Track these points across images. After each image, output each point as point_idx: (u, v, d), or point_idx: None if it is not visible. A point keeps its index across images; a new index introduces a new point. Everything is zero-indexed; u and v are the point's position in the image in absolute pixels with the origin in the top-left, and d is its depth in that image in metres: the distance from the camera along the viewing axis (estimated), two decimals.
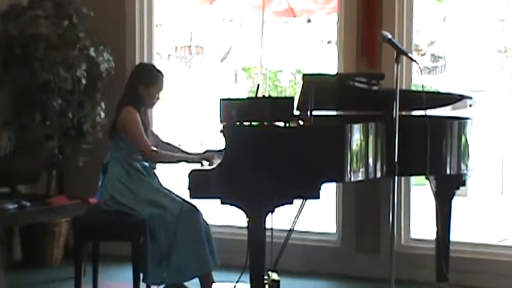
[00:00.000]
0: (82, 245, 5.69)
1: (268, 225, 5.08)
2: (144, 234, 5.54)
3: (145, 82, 5.82)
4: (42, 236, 6.88)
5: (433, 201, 5.99)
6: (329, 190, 5.84)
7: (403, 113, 5.25)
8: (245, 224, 5.11)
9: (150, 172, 5.85)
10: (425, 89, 5.56)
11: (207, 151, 5.94)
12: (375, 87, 5.59)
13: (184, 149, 6.02)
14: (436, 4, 13.29)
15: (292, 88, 14.90)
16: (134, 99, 5.80)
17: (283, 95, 14.17)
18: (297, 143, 5.05)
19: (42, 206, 6.25)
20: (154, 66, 6.01)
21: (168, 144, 6.05)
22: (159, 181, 5.90)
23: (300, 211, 6.06)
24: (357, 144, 5.04)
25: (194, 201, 5.51)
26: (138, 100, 5.81)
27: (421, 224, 6.86)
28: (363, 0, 6.54)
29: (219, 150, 5.54)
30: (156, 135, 6.06)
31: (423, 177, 5.87)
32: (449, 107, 5.95)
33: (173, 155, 5.84)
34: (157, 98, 5.93)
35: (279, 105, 5.33)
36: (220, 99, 5.34)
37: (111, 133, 5.83)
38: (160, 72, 5.91)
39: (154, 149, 5.76)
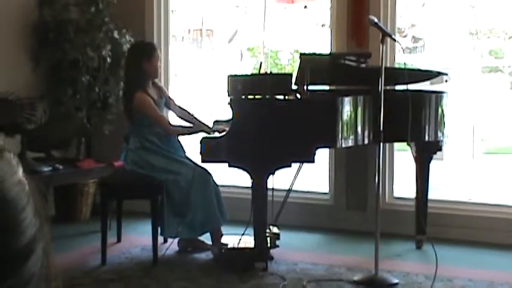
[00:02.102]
0: (108, 203, 5.70)
1: (269, 185, 5.08)
2: (162, 194, 5.53)
3: (146, 56, 5.65)
4: (72, 195, 6.88)
5: (414, 165, 5.99)
6: (323, 155, 5.83)
7: (388, 87, 5.22)
8: (249, 185, 5.11)
9: (168, 141, 5.78)
10: (407, 67, 5.53)
11: (216, 121, 5.93)
12: (363, 65, 5.57)
13: (199, 118, 5.97)
14: None
15: (291, 66, 14.81)
16: (140, 79, 5.64)
17: (282, 71, 14.09)
18: (295, 114, 5.04)
19: (72, 169, 6.25)
20: (145, 41, 5.87)
21: (185, 111, 5.99)
22: (181, 146, 5.83)
23: (297, 173, 6.05)
24: (347, 115, 5.03)
25: (205, 165, 5.50)
26: (144, 77, 5.66)
27: (403, 184, 6.84)
28: None
29: (227, 120, 5.52)
30: (177, 105, 5.99)
31: (405, 143, 5.88)
32: (428, 82, 5.92)
33: (187, 129, 5.83)
34: (159, 67, 5.82)
35: (279, 80, 5.31)
36: (228, 76, 5.33)
37: (128, 116, 5.74)
38: (152, 43, 5.82)
39: (173, 125, 5.75)
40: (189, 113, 5.97)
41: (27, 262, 0.86)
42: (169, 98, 5.98)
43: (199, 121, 5.87)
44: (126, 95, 5.74)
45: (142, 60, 5.64)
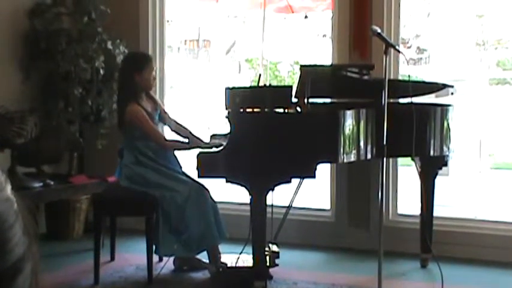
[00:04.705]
0: (101, 220, 5.69)
1: (268, 202, 5.07)
2: (157, 210, 5.52)
3: (137, 69, 5.68)
4: (64, 212, 6.87)
5: (418, 180, 5.98)
6: (324, 170, 5.83)
7: (391, 100, 5.22)
8: (248, 201, 5.10)
9: (164, 155, 5.79)
10: (411, 79, 5.54)
11: (213, 135, 5.92)
12: (366, 77, 5.58)
13: (195, 133, 5.96)
14: (421, 1, 13.26)
15: (291, 78, 14.84)
16: (133, 91, 5.67)
17: (282, 84, 14.11)
18: (295, 128, 5.04)
19: (64, 185, 6.24)
20: (139, 52, 5.90)
21: (180, 125, 5.97)
22: (177, 161, 5.85)
23: (297, 189, 6.05)
24: (349, 129, 5.02)
25: (202, 181, 5.49)
26: (137, 89, 5.69)
27: (407, 200, 6.84)
28: None
29: (225, 134, 5.52)
30: (172, 120, 5.99)
31: (409, 158, 5.86)
32: (433, 94, 5.93)
33: (184, 143, 5.80)
34: (154, 79, 5.86)
35: (279, 93, 5.31)
36: (226, 88, 5.33)
37: (120, 126, 5.77)
38: (146, 54, 5.84)
39: (167, 138, 5.75)
40: (184, 128, 5.95)
41: (14, 282, 0.86)
42: (164, 111, 5.98)
43: (195, 136, 5.85)
44: (119, 106, 5.79)
45: (134, 72, 5.67)
